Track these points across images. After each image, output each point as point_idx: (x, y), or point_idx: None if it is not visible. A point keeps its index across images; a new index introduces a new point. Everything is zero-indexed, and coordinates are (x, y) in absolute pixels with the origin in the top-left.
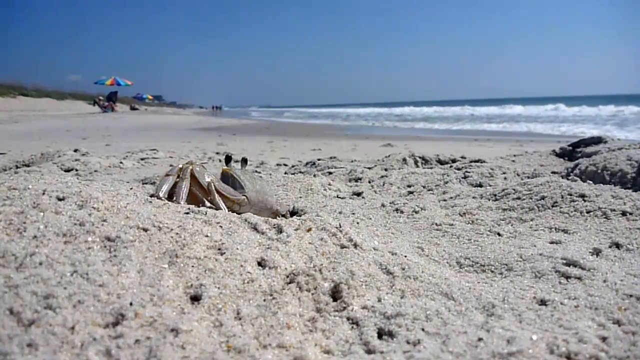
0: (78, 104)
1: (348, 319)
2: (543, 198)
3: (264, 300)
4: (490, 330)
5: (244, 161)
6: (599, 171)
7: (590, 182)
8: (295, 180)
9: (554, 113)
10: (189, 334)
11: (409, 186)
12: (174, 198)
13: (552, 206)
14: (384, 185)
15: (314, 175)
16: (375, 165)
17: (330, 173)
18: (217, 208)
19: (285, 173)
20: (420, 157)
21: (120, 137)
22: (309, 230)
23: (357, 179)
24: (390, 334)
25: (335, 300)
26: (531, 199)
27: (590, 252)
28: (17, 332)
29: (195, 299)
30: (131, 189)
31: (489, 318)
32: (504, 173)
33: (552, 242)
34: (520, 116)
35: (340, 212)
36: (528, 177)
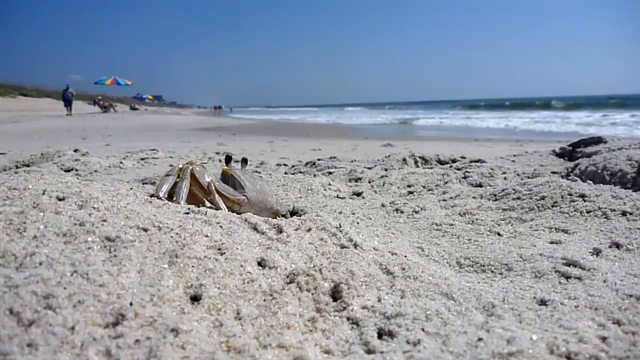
0: (78, 104)
1: (348, 319)
2: (543, 198)
3: (264, 300)
4: (490, 330)
5: (244, 161)
6: (599, 171)
7: (590, 182)
8: (295, 180)
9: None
10: (189, 334)
11: (409, 186)
12: (174, 198)
13: (552, 206)
14: (384, 185)
15: (314, 175)
16: (375, 165)
17: (330, 173)
18: (217, 208)
19: (285, 173)
20: (420, 157)
21: (120, 137)
22: (309, 230)
23: (357, 179)
24: (390, 334)
25: (335, 300)
26: (531, 199)
27: (590, 252)
28: (17, 332)
29: (195, 299)
30: (131, 189)
31: (489, 318)
32: (504, 173)
33: (552, 242)
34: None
35: (340, 212)
36: (528, 177)
